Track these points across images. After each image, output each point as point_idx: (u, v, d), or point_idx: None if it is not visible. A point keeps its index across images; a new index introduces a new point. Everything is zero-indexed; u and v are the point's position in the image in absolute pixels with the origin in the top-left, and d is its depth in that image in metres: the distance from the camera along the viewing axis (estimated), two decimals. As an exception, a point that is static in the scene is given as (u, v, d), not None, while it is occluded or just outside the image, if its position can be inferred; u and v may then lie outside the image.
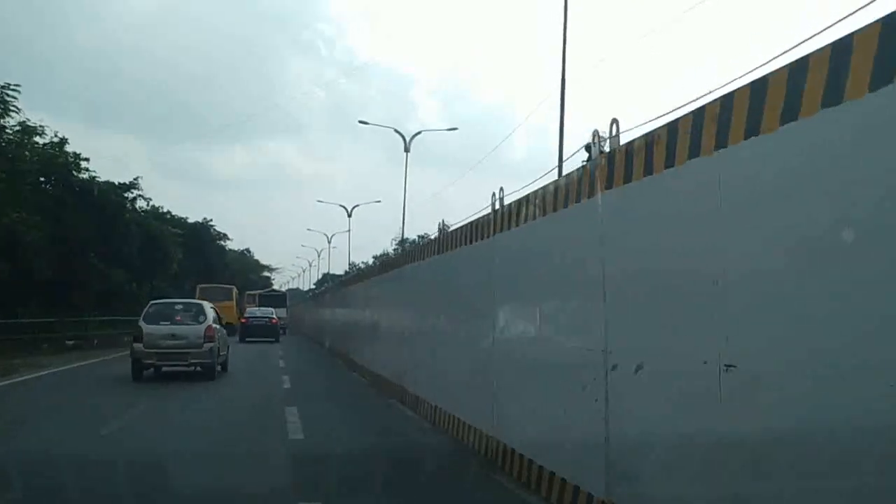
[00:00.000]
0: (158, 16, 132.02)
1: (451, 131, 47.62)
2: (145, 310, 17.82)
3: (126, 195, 33.70)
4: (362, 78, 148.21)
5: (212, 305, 19.59)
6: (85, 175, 31.98)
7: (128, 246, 32.91)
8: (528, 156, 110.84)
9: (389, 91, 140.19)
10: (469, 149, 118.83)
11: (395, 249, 63.83)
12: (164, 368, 17.56)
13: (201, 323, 17.45)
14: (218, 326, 18.22)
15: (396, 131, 45.85)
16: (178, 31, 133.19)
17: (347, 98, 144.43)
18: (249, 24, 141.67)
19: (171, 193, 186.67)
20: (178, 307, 18.33)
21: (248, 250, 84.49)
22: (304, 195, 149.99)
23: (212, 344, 17.29)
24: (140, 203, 35.00)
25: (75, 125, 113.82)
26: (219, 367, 18.24)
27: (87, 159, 31.88)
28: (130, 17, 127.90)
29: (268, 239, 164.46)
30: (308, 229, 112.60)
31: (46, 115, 57.87)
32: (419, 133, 47.99)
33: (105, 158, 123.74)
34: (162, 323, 17.25)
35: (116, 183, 33.46)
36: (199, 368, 17.34)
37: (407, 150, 45.01)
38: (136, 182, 33.87)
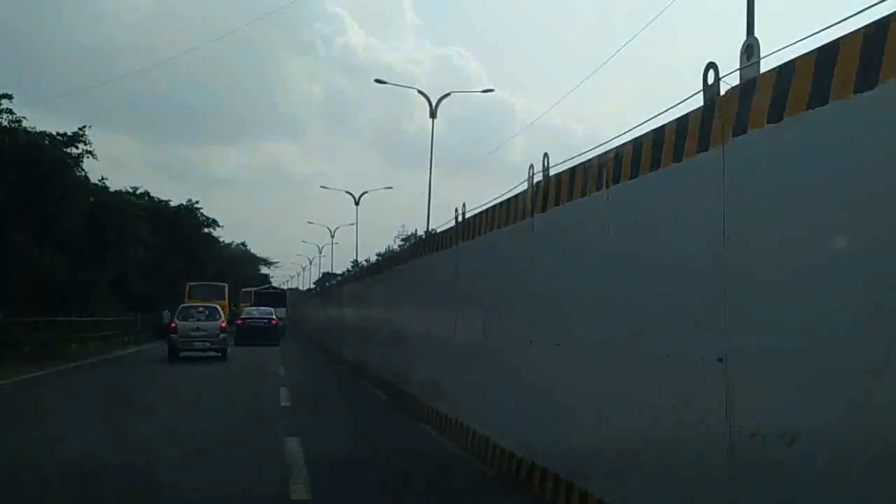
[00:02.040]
0: (156, 15, 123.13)
1: (487, 92, 36.87)
2: (177, 311, 24.35)
3: (68, 150, 23.61)
4: (360, 77, 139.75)
5: (221, 307, 25.90)
6: (7, 120, 22.09)
7: (69, 219, 22.92)
8: (526, 156, 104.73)
9: (387, 90, 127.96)
10: (466, 148, 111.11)
11: (399, 246, 54.76)
12: (188, 353, 22.90)
13: (217, 320, 23.79)
14: (226, 323, 24.63)
15: (420, 92, 37.75)
16: (175, 31, 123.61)
17: (345, 97, 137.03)
18: (247, 23, 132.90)
19: (170, 193, 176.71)
20: (201, 309, 24.19)
21: (243, 244, 73.91)
22: (302, 194, 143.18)
23: (224, 335, 23.84)
24: (89, 164, 24.74)
25: (72, 124, 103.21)
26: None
27: (9, 96, 21.98)
28: (127, 16, 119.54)
29: (266, 238, 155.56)
30: (309, 222, 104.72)
31: (44, 114, 48.43)
32: (448, 95, 38.62)
33: (102, 158, 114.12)
34: (190, 320, 23.54)
35: (55, 133, 23.42)
36: (215, 353, 23.28)
37: (433, 115, 36.79)
38: (81, 134, 23.75)
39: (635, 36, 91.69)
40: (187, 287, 39.10)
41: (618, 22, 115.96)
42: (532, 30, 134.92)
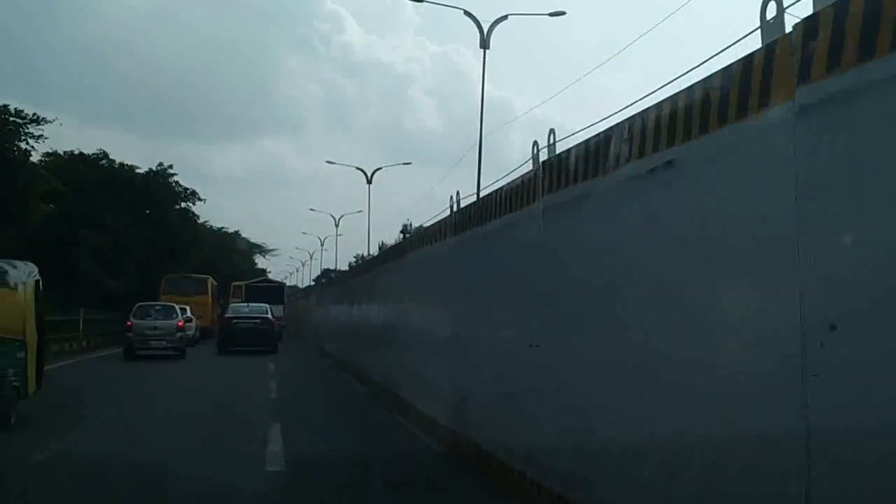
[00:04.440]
0: (155, 13, 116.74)
1: (556, 16, 26.33)
2: (133, 310, 23.08)
3: None
4: (360, 76, 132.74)
5: (182, 306, 25.04)
6: None
7: None
8: (525, 154, 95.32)
9: (387, 88, 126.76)
10: (466, 146, 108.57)
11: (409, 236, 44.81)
12: (145, 352, 21.47)
13: (174, 319, 22.75)
14: (185, 319, 23.94)
15: (468, 14, 26.37)
16: (175, 29, 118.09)
17: (345, 95, 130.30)
18: (246, 22, 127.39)
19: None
20: (157, 308, 23.56)
21: (237, 233, 62.51)
22: (301, 191, 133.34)
23: (182, 333, 22.80)
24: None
25: (72, 123, 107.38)
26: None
27: None
28: (127, 14, 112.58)
29: (264, 233, 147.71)
30: (311, 209, 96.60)
31: (43, 113, 39.57)
32: (504, 18, 28.64)
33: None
34: (146, 318, 22.45)
35: None
36: (173, 352, 22.04)
37: (485, 46, 26.31)
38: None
39: (634, 41, 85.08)
40: (162, 281, 32.46)
41: (614, 21, 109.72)
42: (531, 28, 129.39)
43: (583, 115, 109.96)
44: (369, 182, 47.00)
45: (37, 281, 10.11)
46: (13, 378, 9.18)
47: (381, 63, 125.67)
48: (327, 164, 53.47)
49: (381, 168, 48.77)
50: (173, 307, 23.70)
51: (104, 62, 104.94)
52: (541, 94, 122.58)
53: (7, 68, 71.33)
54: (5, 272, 9.56)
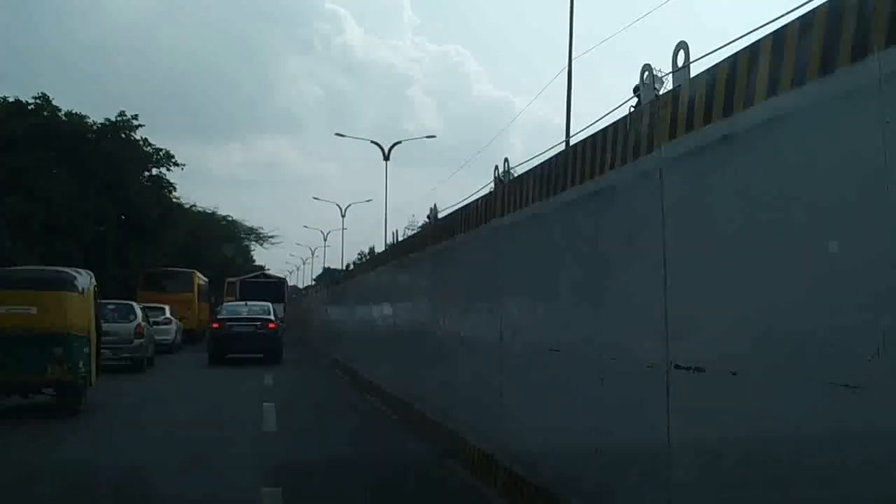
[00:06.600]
0: (154, 13, 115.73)
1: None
2: None
3: None
4: (360, 76, 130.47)
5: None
6: None
7: None
8: (526, 153, 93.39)
9: (387, 88, 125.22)
10: (465, 148, 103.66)
11: (420, 229, 36.79)
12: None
13: (131, 322, 18.56)
14: (146, 324, 19.25)
15: None
16: (175, 29, 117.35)
17: (345, 96, 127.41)
18: (246, 22, 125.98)
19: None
20: (111, 307, 18.93)
21: (228, 217, 52.83)
22: (301, 192, 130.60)
23: (141, 341, 18.44)
24: None
25: None
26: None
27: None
28: (126, 14, 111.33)
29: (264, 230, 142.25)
30: (314, 198, 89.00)
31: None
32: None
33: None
34: None
35: None
36: (129, 362, 18.02)
37: None
38: None
39: (620, 31, 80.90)
40: (141, 276, 28.47)
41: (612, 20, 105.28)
42: (530, 26, 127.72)
43: (586, 115, 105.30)
44: (386, 158, 40.02)
45: (95, 286, 11.59)
46: (83, 369, 10.62)
47: (381, 63, 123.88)
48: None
49: (400, 142, 41.31)
50: (131, 306, 19.33)
51: (104, 62, 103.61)
52: (543, 95, 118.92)
53: (7, 66, 70.37)
54: (75, 278, 10.84)
